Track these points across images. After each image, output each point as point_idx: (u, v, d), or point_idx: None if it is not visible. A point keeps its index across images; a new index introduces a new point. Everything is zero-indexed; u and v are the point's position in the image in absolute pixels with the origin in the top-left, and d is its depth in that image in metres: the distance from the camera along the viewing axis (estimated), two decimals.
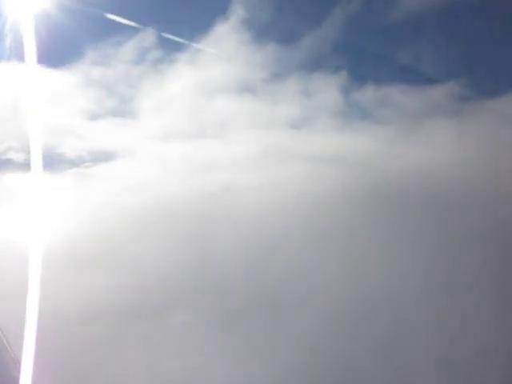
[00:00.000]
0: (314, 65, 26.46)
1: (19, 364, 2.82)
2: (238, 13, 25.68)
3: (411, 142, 21.07)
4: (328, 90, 24.81)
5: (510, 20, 18.96)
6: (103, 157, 23.98)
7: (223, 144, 23.82)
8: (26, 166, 20.02)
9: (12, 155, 22.15)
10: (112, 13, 18.60)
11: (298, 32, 26.03)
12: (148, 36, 26.38)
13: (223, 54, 25.80)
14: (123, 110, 26.97)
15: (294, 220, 18.67)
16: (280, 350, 14.00)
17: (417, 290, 15.10)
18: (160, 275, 16.65)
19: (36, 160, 2.88)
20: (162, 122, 26.10)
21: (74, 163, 23.29)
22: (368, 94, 24.28)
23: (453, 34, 21.51)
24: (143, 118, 26.30)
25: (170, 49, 27.41)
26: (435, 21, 21.59)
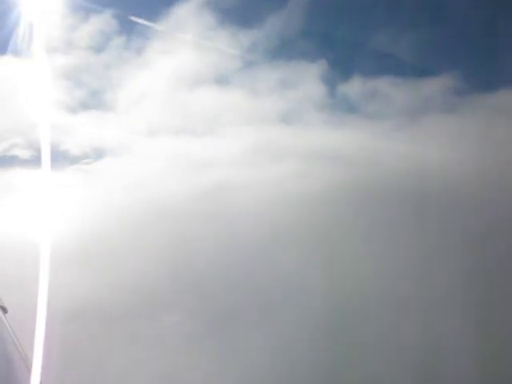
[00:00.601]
0: (289, 52, 24.87)
1: (30, 363, 2.79)
2: None
3: (405, 138, 20.66)
4: (310, 80, 23.61)
5: (506, 8, 18.37)
6: (97, 153, 23.39)
7: (213, 140, 23.32)
8: (31, 162, 19.82)
9: (17, 152, 21.77)
10: None
11: (263, 13, 24.40)
12: (106, 19, 23.73)
13: (190, 39, 24.06)
14: (98, 103, 24.97)
15: (289, 219, 18.55)
16: (272, 351, 14.02)
17: (412, 288, 15.12)
18: (154, 274, 16.59)
19: (43, 157, 2.85)
20: (144, 116, 24.61)
21: (73, 160, 22.59)
22: (354, 86, 23.10)
23: (445, 22, 20.55)
24: (123, 111, 24.72)
25: (133, 34, 24.76)
26: (426, 7, 20.57)
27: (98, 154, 23.30)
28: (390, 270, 15.83)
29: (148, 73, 24.60)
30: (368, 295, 15.28)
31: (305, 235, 17.81)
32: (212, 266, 16.79)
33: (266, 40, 23.61)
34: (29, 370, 2.73)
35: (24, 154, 21.29)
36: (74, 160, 22.43)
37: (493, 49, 19.09)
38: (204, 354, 14.17)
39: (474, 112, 19.94)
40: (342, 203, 18.07)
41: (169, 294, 15.97)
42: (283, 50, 24.76)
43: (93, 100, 25.09)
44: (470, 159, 18.19)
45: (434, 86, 21.06)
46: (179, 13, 23.38)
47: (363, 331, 14.43)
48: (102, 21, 23.38)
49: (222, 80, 24.70)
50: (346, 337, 14.43)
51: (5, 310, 3.08)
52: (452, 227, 15.98)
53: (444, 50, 20.94)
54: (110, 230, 17.96)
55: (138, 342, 14.08)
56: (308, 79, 23.32)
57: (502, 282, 14.11)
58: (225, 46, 23.74)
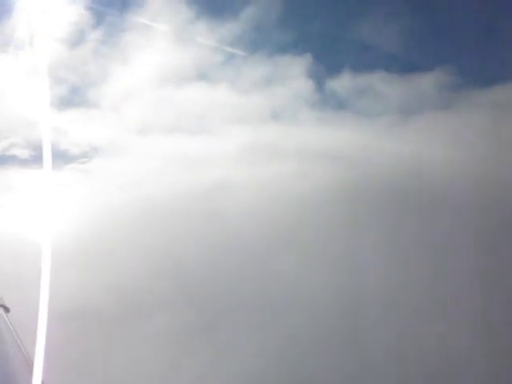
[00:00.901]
0: (271, 45, 23.81)
1: (31, 362, 2.81)
2: None
3: (401, 136, 20.44)
4: (297, 75, 22.90)
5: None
6: (91, 153, 23.05)
7: (208, 139, 23.04)
8: (29, 162, 19.62)
9: (16, 151, 21.49)
10: None
11: (240, 3, 23.15)
12: (76, 11, 22.38)
13: (169, 32, 22.91)
14: (81, 100, 23.94)
15: (287, 218, 18.47)
16: (266, 354, 14.04)
17: (412, 288, 15.13)
18: (150, 273, 16.57)
19: (44, 156, 2.86)
20: (132, 113, 23.74)
21: (68, 159, 22.19)
22: (343, 82, 22.30)
23: (438, 14, 19.67)
24: (109, 109, 23.84)
25: (107, 26, 23.36)
26: None
27: (92, 153, 23.00)
28: (386, 269, 15.84)
29: (129, 68, 23.77)
30: (366, 295, 15.29)
31: (302, 234, 17.80)
32: (210, 265, 16.77)
33: (246, 33, 22.72)
34: (30, 368, 2.74)
35: (22, 153, 21.11)
36: (68, 159, 22.19)
37: (488, 42, 18.48)
38: (199, 355, 14.20)
39: (470, 108, 19.55)
40: (341, 202, 18.00)
41: (165, 293, 15.96)
42: (265, 43, 23.76)
43: (76, 97, 23.99)
44: (466, 157, 18.12)
45: (428, 82, 20.50)
46: (153, 2, 22.59)
47: (359, 332, 14.47)
48: (73, 12, 22.26)
49: (207, 76, 23.96)
50: (344, 336, 14.48)
51: (7, 310, 3.09)
52: (449, 226, 15.98)
53: (437, 43, 20.16)
54: (107, 229, 17.90)
55: (136, 340, 14.10)
56: (295, 74, 22.76)
57: (503, 281, 14.12)
58: (205, 40, 23.00)
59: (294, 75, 22.64)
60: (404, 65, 20.16)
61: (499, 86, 18.97)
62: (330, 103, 22.77)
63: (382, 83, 20.91)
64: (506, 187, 15.88)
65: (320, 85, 22.78)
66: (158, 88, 23.89)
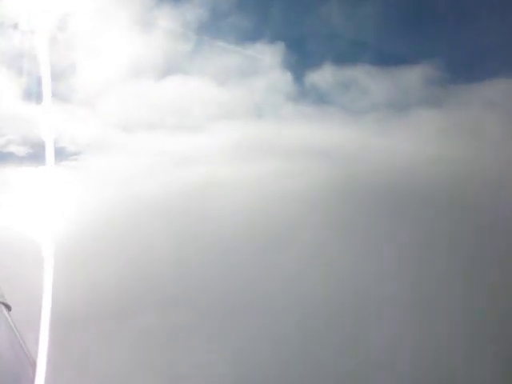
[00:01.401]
0: (239, 31, 22.46)
1: (34, 360, 2.80)
2: None
3: (388, 133, 20.38)
4: (274, 65, 21.97)
5: None
6: (77, 149, 22.80)
7: (193, 135, 22.75)
8: (26, 159, 19.44)
9: (12, 148, 21.23)
10: None
11: None
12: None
13: (132, 19, 21.85)
14: (52, 92, 22.90)
15: (279, 216, 18.45)
16: (252, 355, 14.06)
17: (404, 289, 15.19)
18: (143, 272, 16.55)
19: (46, 153, 2.84)
20: (109, 108, 23.21)
21: (61, 155, 21.84)
22: (326, 76, 21.49)
23: (425, 4, 19.05)
24: (83, 103, 23.11)
25: (62, 12, 22.06)
26: None
27: (78, 149, 22.75)
28: (381, 272, 15.89)
29: (96, 58, 22.85)
30: (357, 294, 15.34)
31: (292, 232, 17.82)
32: (203, 264, 16.76)
33: (211, 17, 21.58)
34: (33, 366, 2.73)
35: (19, 150, 20.89)
36: (60, 156, 21.94)
37: (476, 36, 18.03)
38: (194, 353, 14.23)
39: (457, 103, 19.41)
40: (331, 200, 18.03)
41: (156, 293, 15.94)
42: (233, 29, 22.60)
43: (43, 90, 22.84)
44: (453, 153, 18.17)
45: (414, 76, 20.04)
46: None
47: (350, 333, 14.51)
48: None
49: (181, 67, 23.19)
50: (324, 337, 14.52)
51: (8, 308, 3.07)
52: (441, 225, 16.05)
53: (423, 36, 19.48)
54: (102, 227, 17.81)
55: (134, 339, 14.09)
56: (271, 64, 21.94)
57: (498, 281, 14.19)
58: (172, 27, 22.07)
59: (271, 66, 21.91)
60: (389, 58, 19.71)
61: (487, 81, 18.89)
62: (311, 97, 22.07)
63: (366, 77, 20.53)
64: (495, 183, 16.01)
65: (300, 77, 21.95)
66: (134, 81, 23.21)
